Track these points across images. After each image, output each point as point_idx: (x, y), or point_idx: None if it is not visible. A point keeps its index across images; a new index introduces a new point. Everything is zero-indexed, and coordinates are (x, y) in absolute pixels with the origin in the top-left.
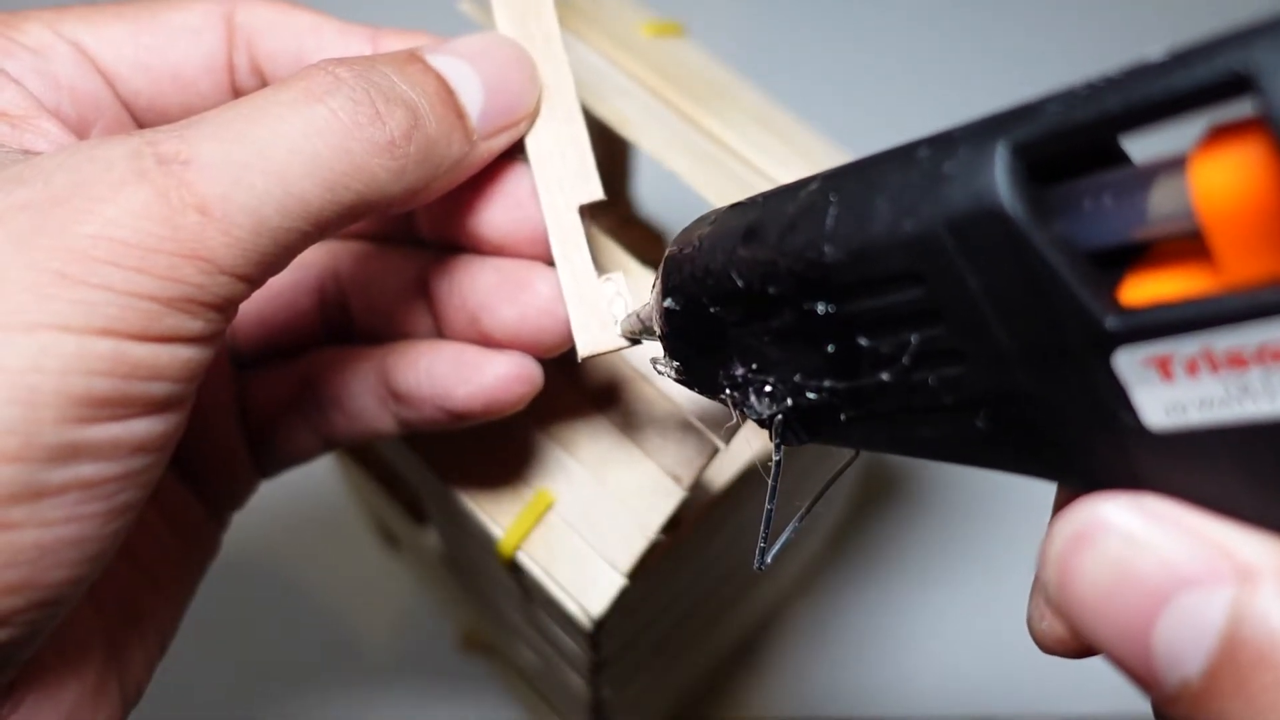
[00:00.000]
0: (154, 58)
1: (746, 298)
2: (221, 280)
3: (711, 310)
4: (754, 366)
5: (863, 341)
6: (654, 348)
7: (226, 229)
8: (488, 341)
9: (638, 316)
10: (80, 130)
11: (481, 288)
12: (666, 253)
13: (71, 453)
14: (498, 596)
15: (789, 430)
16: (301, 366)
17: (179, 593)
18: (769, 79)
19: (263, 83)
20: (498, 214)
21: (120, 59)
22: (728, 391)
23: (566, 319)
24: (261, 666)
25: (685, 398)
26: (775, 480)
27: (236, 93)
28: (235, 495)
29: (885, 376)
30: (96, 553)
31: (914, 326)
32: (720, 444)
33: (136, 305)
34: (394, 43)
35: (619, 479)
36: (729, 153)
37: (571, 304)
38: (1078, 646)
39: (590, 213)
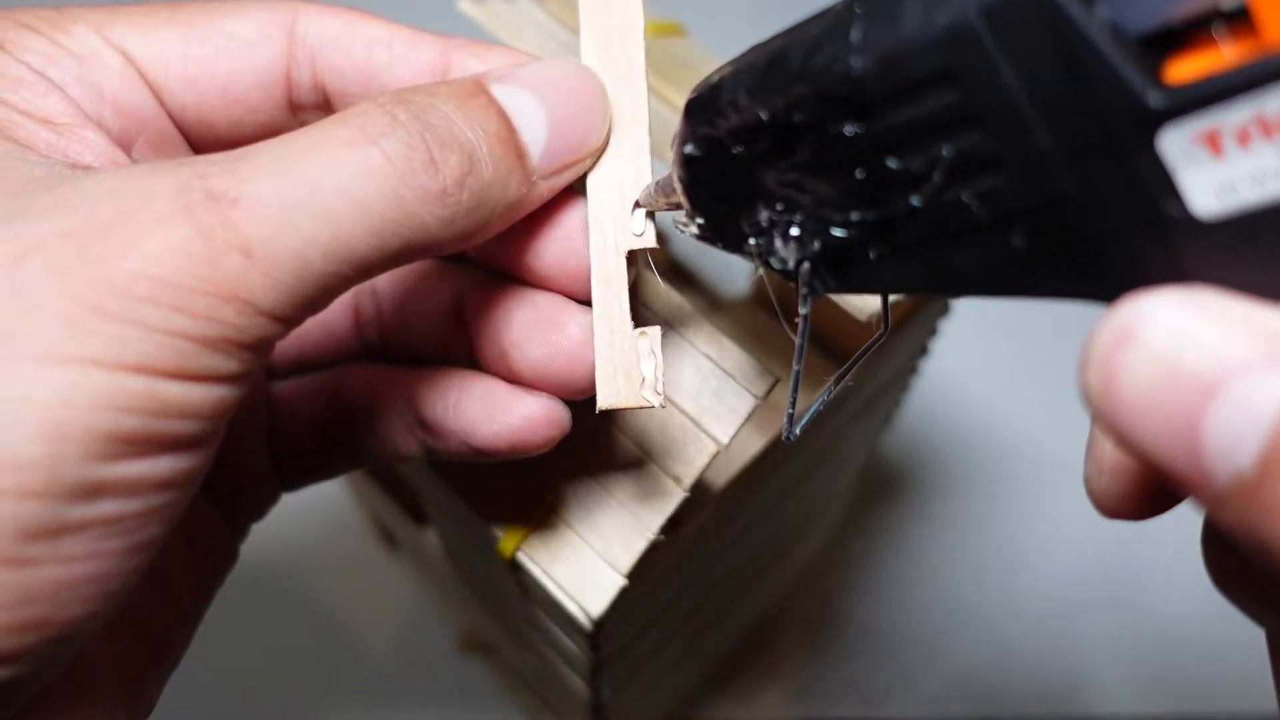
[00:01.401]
0: (203, 71)
1: (771, 130)
2: (259, 322)
3: (734, 151)
4: (779, 208)
5: (892, 164)
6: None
7: (269, 271)
8: (517, 378)
9: (656, 185)
10: (123, 141)
11: (515, 323)
12: (687, 98)
13: (95, 490)
14: (498, 597)
15: (815, 278)
16: (333, 382)
17: (194, 606)
18: None
19: (323, 99)
20: (544, 246)
21: (168, 71)
22: (752, 242)
23: (594, 366)
24: (261, 667)
25: (685, 398)
26: (804, 338)
27: (292, 107)
28: (257, 507)
29: (916, 201)
30: (115, 589)
31: (947, 136)
32: (720, 444)
33: (171, 344)
34: (465, 58)
35: (619, 480)
36: None
37: (601, 352)
38: (1137, 501)
39: (640, 260)
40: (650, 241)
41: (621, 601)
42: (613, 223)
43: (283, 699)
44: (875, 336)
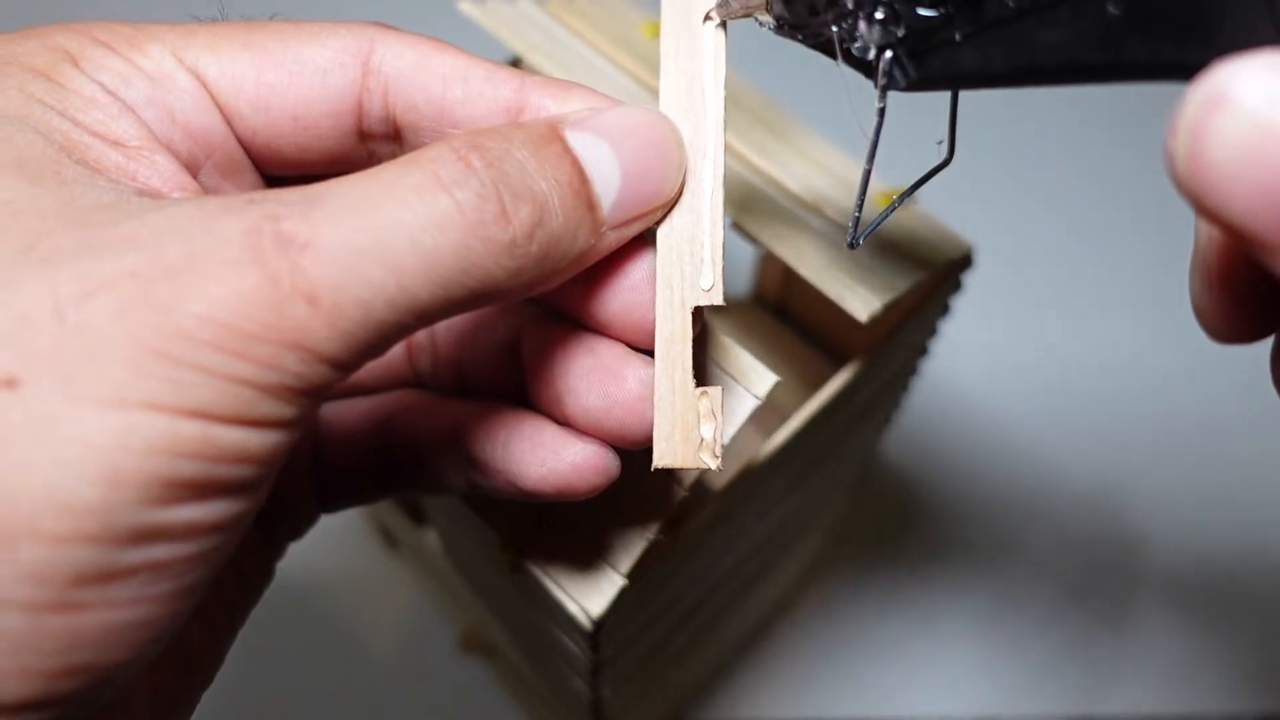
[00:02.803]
0: (275, 98)
1: None
2: (319, 369)
3: None
4: None
5: None
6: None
7: (333, 320)
8: (569, 423)
9: None
10: (191, 164)
11: (573, 369)
12: None
13: (148, 534)
14: (498, 597)
15: (896, 67)
16: (382, 408)
17: (229, 626)
18: (769, 79)
19: (393, 130)
20: (609, 294)
21: (240, 96)
22: (833, 29)
23: (651, 421)
24: (261, 667)
25: None
26: (877, 135)
27: (361, 136)
28: (296, 528)
29: None
30: (162, 632)
31: None
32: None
33: (231, 390)
34: (541, 98)
35: (619, 479)
36: (729, 153)
37: (660, 410)
38: (1244, 317)
39: (705, 315)
40: (718, 298)
41: (621, 601)
42: (681, 277)
43: (283, 698)
44: (941, 162)
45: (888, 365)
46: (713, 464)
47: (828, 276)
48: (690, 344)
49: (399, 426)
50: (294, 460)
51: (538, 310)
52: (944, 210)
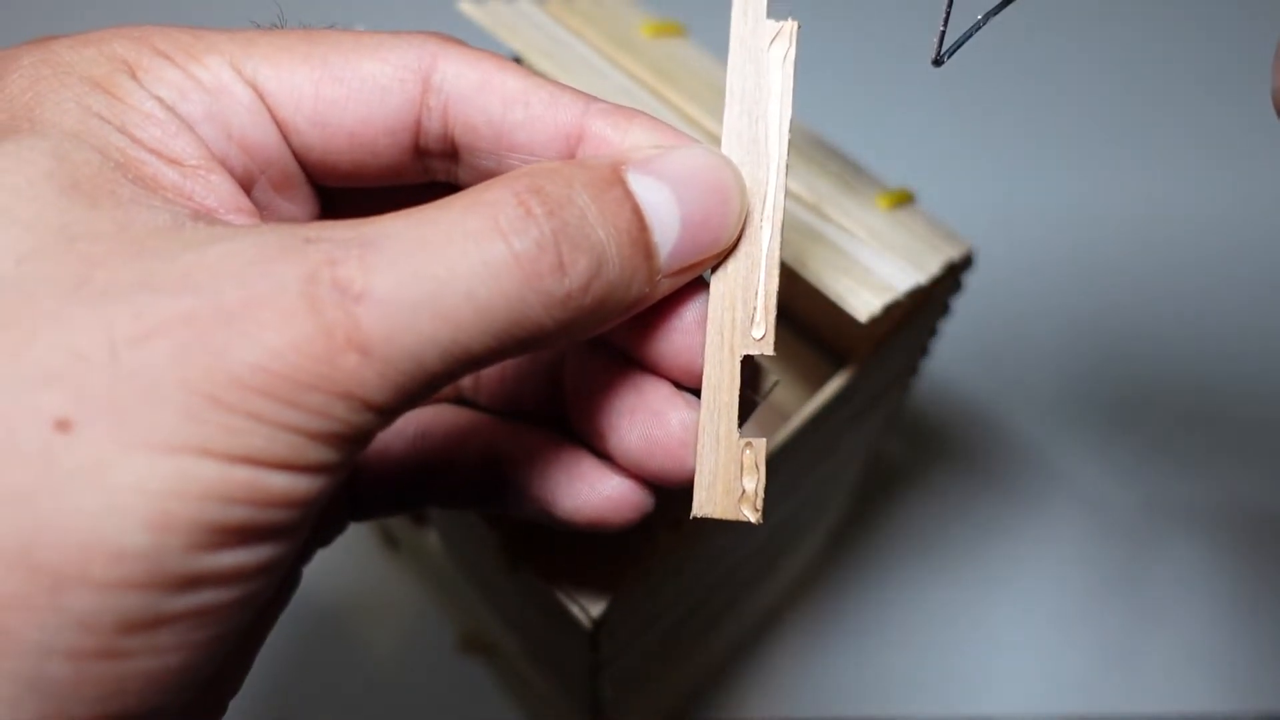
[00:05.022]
0: (333, 113)
1: None
2: (368, 417)
3: None
4: None
5: None
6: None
7: (384, 371)
8: (607, 456)
9: None
10: (246, 179)
11: (615, 405)
12: None
13: (195, 581)
14: (498, 597)
15: None
16: (419, 421)
17: (257, 635)
18: None
19: (450, 148)
20: (660, 335)
21: (298, 110)
22: None
23: (691, 466)
24: (260, 667)
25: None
26: None
27: (418, 154)
28: (327, 537)
29: None
30: (198, 678)
31: None
32: None
33: (282, 437)
34: (603, 127)
35: None
36: None
37: (703, 459)
38: None
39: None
40: (769, 349)
41: (621, 601)
42: (732, 325)
43: (282, 698)
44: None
45: (888, 365)
46: (753, 517)
47: (828, 276)
48: (737, 394)
49: (436, 443)
50: None
51: (585, 343)
52: (944, 210)
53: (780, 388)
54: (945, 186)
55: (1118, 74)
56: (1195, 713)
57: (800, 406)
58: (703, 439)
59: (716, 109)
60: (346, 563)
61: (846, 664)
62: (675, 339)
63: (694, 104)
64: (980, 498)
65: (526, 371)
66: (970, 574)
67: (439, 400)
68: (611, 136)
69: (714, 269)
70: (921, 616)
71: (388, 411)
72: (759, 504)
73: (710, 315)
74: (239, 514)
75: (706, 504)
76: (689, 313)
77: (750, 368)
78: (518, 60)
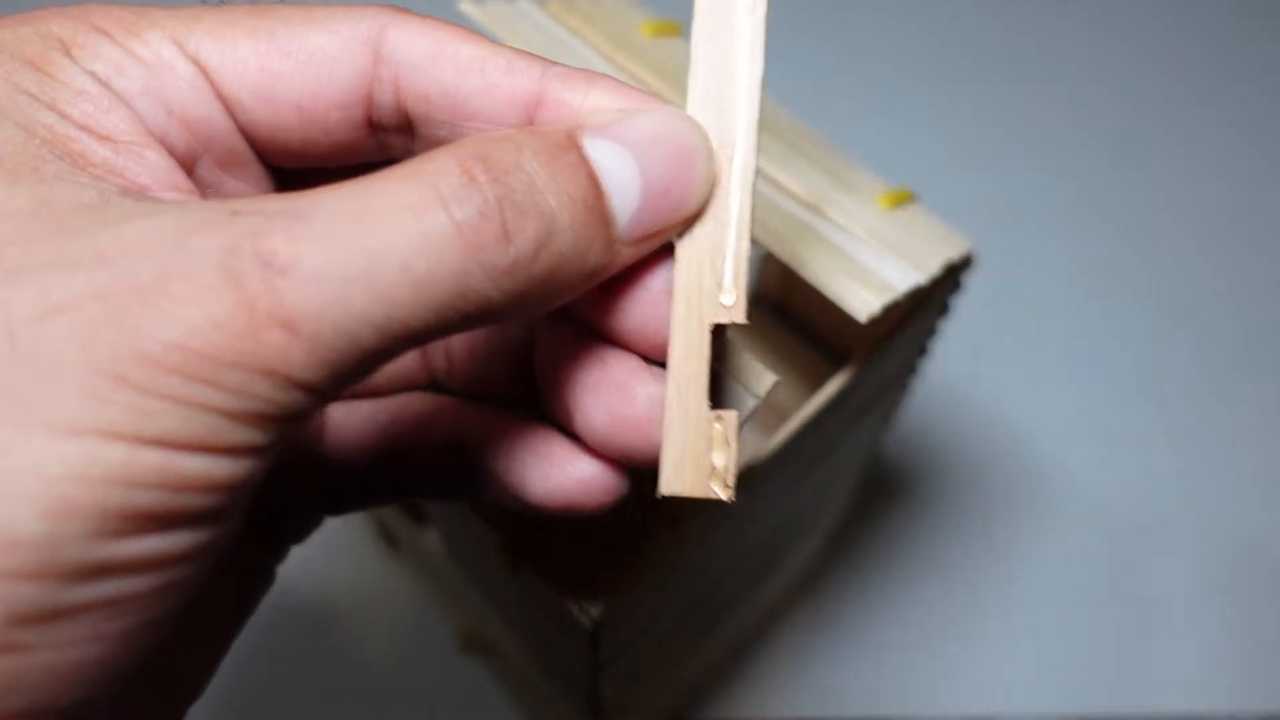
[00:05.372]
0: (280, 87)
1: None
2: (296, 396)
3: None
4: None
5: None
6: None
7: (313, 349)
8: (576, 436)
9: None
10: (188, 158)
11: (581, 382)
12: None
13: (99, 570)
14: (498, 597)
15: None
16: (390, 411)
17: (222, 637)
18: (769, 79)
19: (405, 121)
20: (626, 306)
21: (243, 86)
22: None
23: (659, 443)
24: (260, 667)
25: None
26: None
27: (372, 128)
28: (300, 533)
29: None
30: (121, 670)
31: None
32: None
33: (197, 418)
34: (562, 91)
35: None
36: None
37: (670, 432)
38: None
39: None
40: (740, 316)
41: (621, 601)
42: (700, 294)
43: (282, 698)
44: None
45: (887, 365)
46: (723, 494)
47: (828, 276)
48: (707, 364)
49: (406, 432)
50: (296, 467)
51: (553, 312)
52: (944, 210)
53: (780, 388)
54: (945, 186)
55: (1118, 74)
56: (1195, 713)
57: (800, 406)
58: (669, 413)
59: None
60: (346, 563)
61: (846, 664)
62: (642, 309)
63: None
64: (979, 498)
65: (498, 352)
66: (970, 574)
67: (411, 387)
68: (571, 101)
69: (681, 235)
70: (921, 616)
71: (321, 391)
72: (730, 480)
73: (677, 282)
74: (150, 499)
75: (674, 481)
76: (656, 281)
77: (721, 339)
78: None
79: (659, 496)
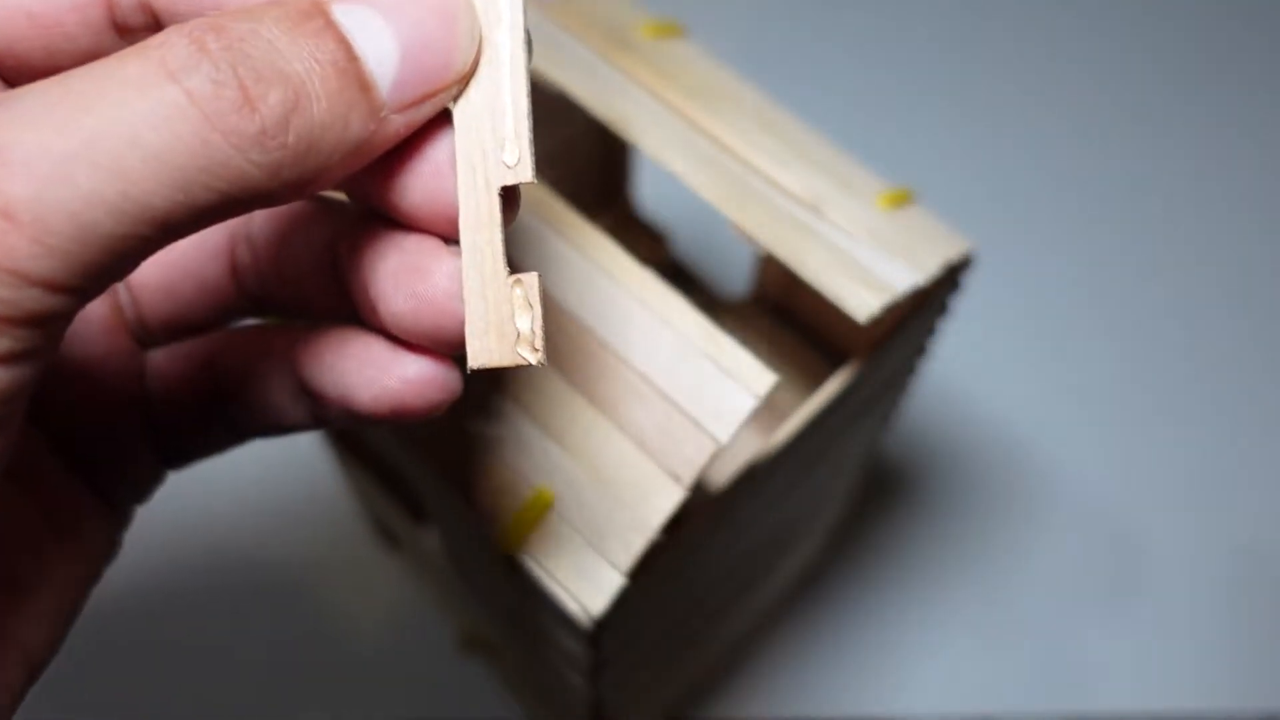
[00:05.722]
0: None
1: None
2: (34, 294)
3: None
4: None
5: None
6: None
7: (38, 237)
8: (393, 334)
9: None
10: None
11: (382, 271)
12: None
13: None
14: (498, 596)
15: None
16: (210, 347)
17: (58, 603)
18: (769, 79)
19: (152, 19)
20: (411, 182)
21: None
22: None
23: (464, 319)
24: (260, 667)
25: (685, 397)
26: None
27: (118, 30)
28: (137, 489)
29: None
30: None
31: None
32: (720, 443)
33: None
34: None
35: (619, 479)
36: (729, 153)
37: (470, 303)
38: None
39: (512, 197)
40: (526, 174)
41: (621, 601)
42: (483, 156)
43: (282, 698)
44: None
45: (887, 365)
46: (533, 358)
47: (827, 277)
48: (500, 228)
49: (228, 364)
50: (119, 415)
51: (354, 208)
52: (944, 210)
53: (780, 388)
54: (945, 186)
55: (1118, 74)
56: (1195, 712)
57: (799, 406)
58: (468, 283)
59: (717, 109)
60: (347, 563)
61: (846, 664)
62: (429, 183)
63: (694, 104)
64: (979, 498)
65: (306, 259)
66: (969, 574)
67: (228, 314)
68: None
69: (456, 99)
70: (920, 616)
71: (69, 289)
72: (538, 344)
73: (458, 148)
74: None
75: (481, 353)
76: (439, 152)
77: (513, 203)
78: None
79: (469, 371)
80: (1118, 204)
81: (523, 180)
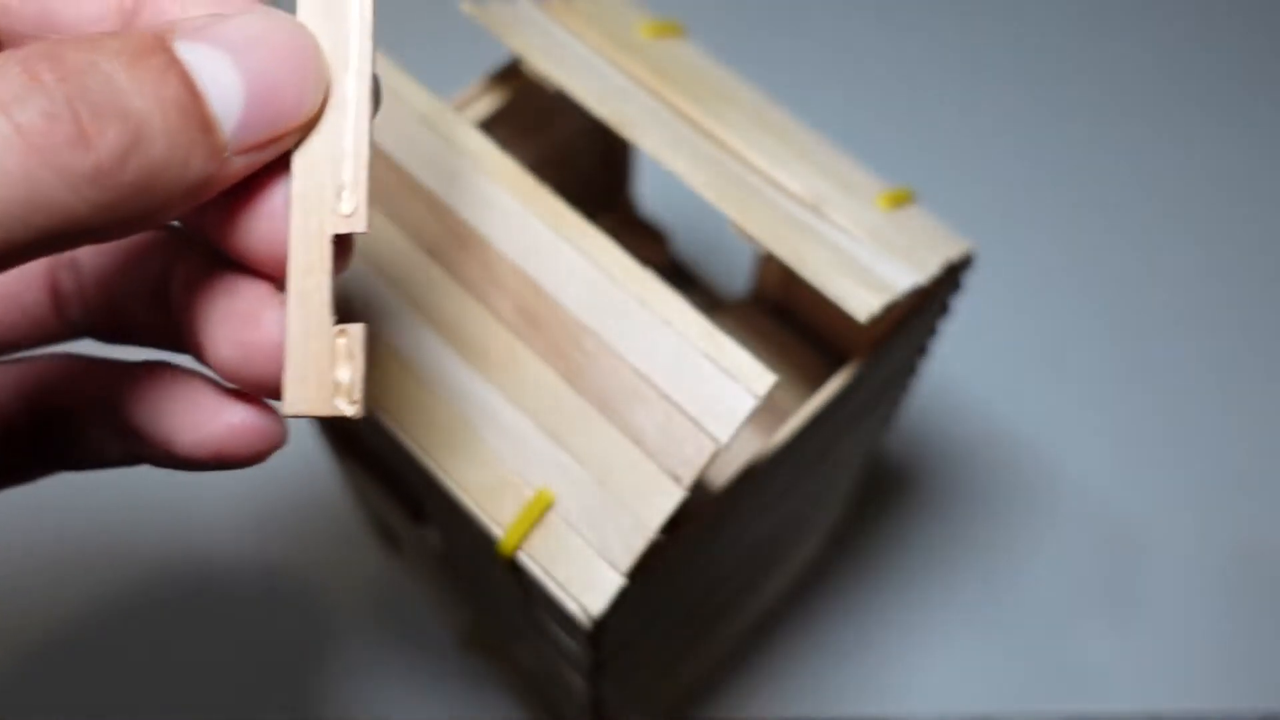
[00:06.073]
0: None
1: None
2: None
3: None
4: None
5: None
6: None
7: None
8: (219, 376)
9: None
10: None
11: (213, 314)
12: None
13: None
14: (498, 596)
15: None
16: (28, 375)
17: None
18: (769, 79)
19: None
20: (249, 225)
21: None
22: None
23: None
24: (260, 666)
25: (685, 398)
26: None
27: None
28: None
29: None
30: None
31: None
32: (720, 444)
33: None
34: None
35: (619, 479)
36: (728, 153)
37: (291, 349)
38: None
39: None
40: (360, 225)
41: (621, 601)
42: (319, 202)
43: (282, 698)
44: None
45: (887, 365)
46: (349, 410)
47: (828, 276)
48: (330, 277)
49: (48, 393)
50: None
51: (189, 238)
52: (944, 210)
53: (780, 388)
54: (945, 186)
55: (1118, 74)
56: (1194, 712)
57: (800, 406)
58: (291, 330)
59: (717, 109)
60: (346, 563)
61: (846, 665)
62: (265, 226)
63: (694, 104)
64: (979, 498)
65: (137, 294)
66: (969, 574)
67: (48, 339)
68: (171, 10)
69: (298, 144)
70: (921, 617)
71: None
72: (356, 395)
73: (294, 192)
74: None
75: (298, 401)
76: (278, 197)
77: (346, 253)
78: (516, 62)
79: (284, 416)
80: (1118, 204)
81: (356, 230)
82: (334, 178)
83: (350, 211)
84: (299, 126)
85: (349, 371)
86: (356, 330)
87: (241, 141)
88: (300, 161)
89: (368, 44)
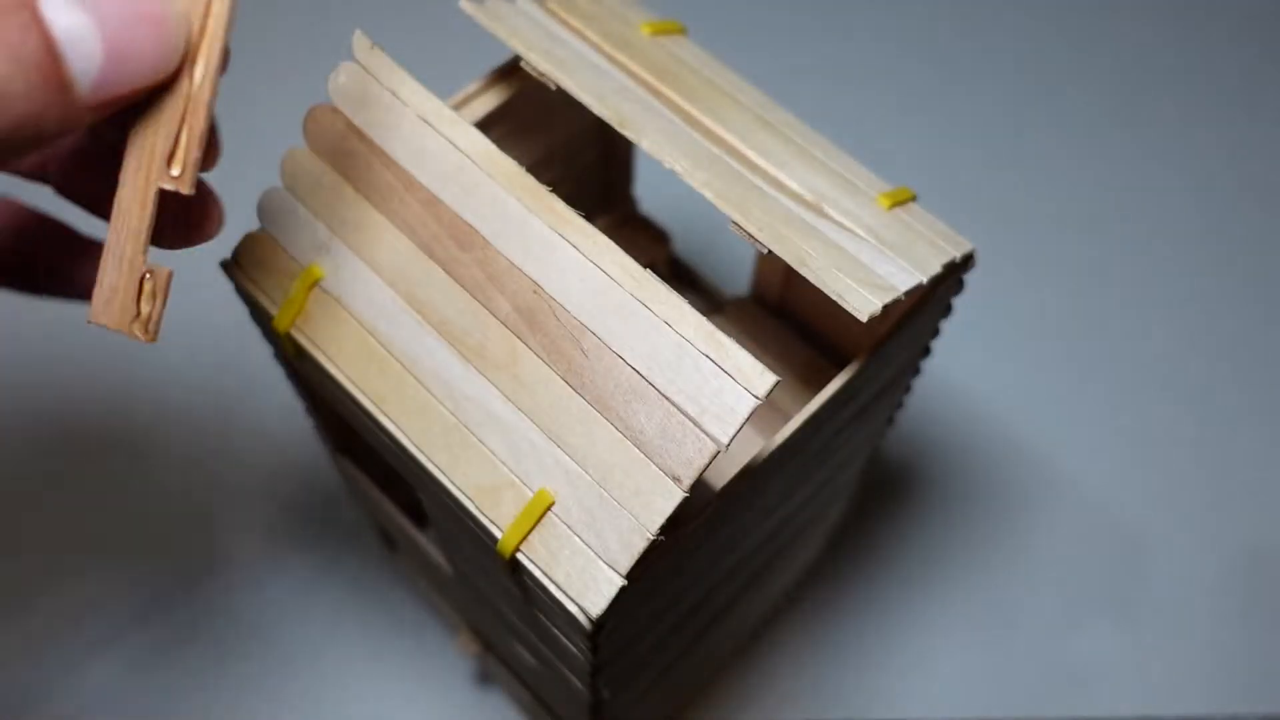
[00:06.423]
0: None
1: None
2: None
3: None
4: None
5: None
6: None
7: None
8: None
9: None
10: None
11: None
12: None
13: None
14: (497, 597)
15: None
16: None
17: None
18: (769, 79)
19: None
20: (85, 162)
21: None
22: None
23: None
24: (260, 666)
25: (685, 398)
26: None
27: None
28: None
29: None
30: None
31: None
32: (720, 444)
33: None
34: None
35: (619, 479)
36: (729, 152)
37: (105, 271)
38: None
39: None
40: (185, 188)
41: (621, 601)
42: (151, 156)
43: (282, 697)
44: None
45: (888, 365)
46: (142, 337)
47: (828, 276)
48: (148, 222)
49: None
50: None
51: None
52: (944, 210)
53: (780, 388)
54: (945, 186)
55: (1118, 74)
56: (1195, 713)
57: (800, 406)
58: (107, 254)
59: (718, 109)
60: (346, 563)
61: (846, 666)
62: (99, 168)
63: (694, 103)
64: (981, 498)
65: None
66: (970, 574)
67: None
68: None
69: (151, 97)
70: (921, 617)
71: None
72: (152, 328)
73: (131, 141)
74: None
75: (101, 314)
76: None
77: (174, 203)
78: (517, 61)
79: (88, 321)
80: (1118, 204)
81: (181, 191)
82: (167, 137)
83: (178, 174)
84: (152, 85)
85: (149, 306)
86: (163, 274)
87: (94, 99)
88: (143, 114)
89: (224, 15)
